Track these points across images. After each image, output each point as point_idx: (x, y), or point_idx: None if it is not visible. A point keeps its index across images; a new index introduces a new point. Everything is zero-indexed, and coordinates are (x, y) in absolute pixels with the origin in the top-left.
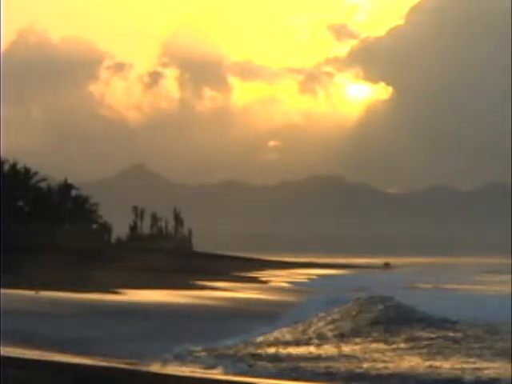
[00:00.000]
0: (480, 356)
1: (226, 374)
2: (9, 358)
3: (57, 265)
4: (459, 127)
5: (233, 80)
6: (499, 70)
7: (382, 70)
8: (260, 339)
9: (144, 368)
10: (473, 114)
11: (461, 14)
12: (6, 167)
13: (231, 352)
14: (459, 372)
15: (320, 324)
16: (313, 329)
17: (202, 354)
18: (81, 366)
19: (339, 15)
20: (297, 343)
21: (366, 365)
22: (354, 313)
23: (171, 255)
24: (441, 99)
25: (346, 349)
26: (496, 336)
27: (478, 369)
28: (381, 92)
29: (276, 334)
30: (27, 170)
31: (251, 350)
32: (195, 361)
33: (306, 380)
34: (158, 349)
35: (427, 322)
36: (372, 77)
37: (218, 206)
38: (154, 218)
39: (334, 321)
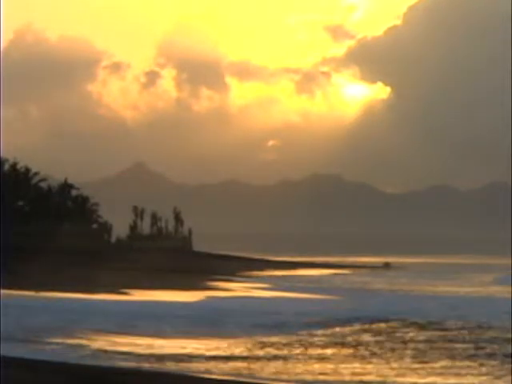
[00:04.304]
0: (465, 357)
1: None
2: (9, 358)
3: (57, 265)
4: (458, 127)
5: (230, 80)
6: (498, 70)
7: (379, 70)
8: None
9: (144, 368)
10: (472, 113)
11: (458, 13)
12: (6, 167)
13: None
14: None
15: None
16: None
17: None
18: (80, 366)
19: (336, 15)
20: None
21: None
22: None
23: (171, 255)
24: (439, 99)
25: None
26: (484, 336)
27: (463, 369)
28: (378, 92)
29: None
30: (27, 170)
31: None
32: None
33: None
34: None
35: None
36: (369, 77)
37: (218, 206)
38: (154, 218)
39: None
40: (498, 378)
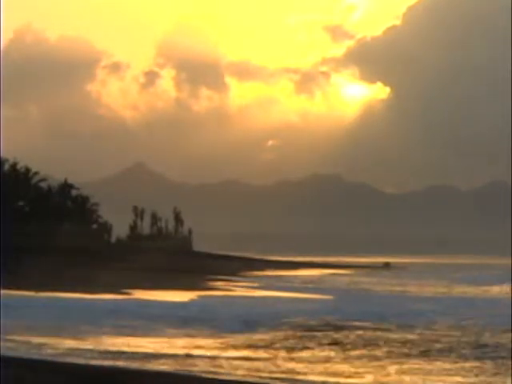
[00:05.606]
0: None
1: None
2: (9, 358)
3: (57, 265)
4: (458, 127)
5: (230, 80)
6: (497, 69)
7: (378, 70)
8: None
9: (144, 368)
10: (472, 113)
11: (458, 13)
12: (6, 167)
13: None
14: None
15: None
16: None
17: None
18: (80, 366)
19: (335, 15)
20: None
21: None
22: None
23: (171, 255)
24: (438, 99)
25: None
26: (483, 337)
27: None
28: (378, 92)
29: None
30: (27, 170)
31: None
32: None
33: None
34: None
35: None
36: (369, 77)
37: (218, 206)
38: (154, 218)
39: None
40: (496, 378)
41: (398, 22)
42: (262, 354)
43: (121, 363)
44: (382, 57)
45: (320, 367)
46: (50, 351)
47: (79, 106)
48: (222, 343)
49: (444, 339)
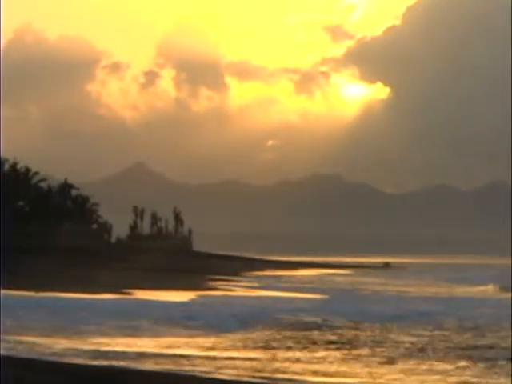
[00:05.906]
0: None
1: None
2: (9, 358)
3: (57, 265)
4: (458, 127)
5: (230, 80)
6: (497, 70)
7: (378, 70)
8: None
9: (144, 368)
10: (472, 113)
11: (457, 13)
12: (6, 167)
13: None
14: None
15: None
16: None
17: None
18: (80, 366)
19: (335, 15)
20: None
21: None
22: None
23: (171, 255)
24: (438, 99)
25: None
26: (483, 337)
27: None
28: (378, 92)
29: None
30: (27, 170)
31: None
32: None
33: None
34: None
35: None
36: (369, 77)
37: (218, 206)
38: (154, 218)
39: None
40: (495, 379)
41: (397, 22)
42: (261, 353)
43: (121, 363)
44: (381, 57)
45: (319, 367)
46: (49, 351)
47: (79, 105)
48: (221, 343)
49: (443, 339)
